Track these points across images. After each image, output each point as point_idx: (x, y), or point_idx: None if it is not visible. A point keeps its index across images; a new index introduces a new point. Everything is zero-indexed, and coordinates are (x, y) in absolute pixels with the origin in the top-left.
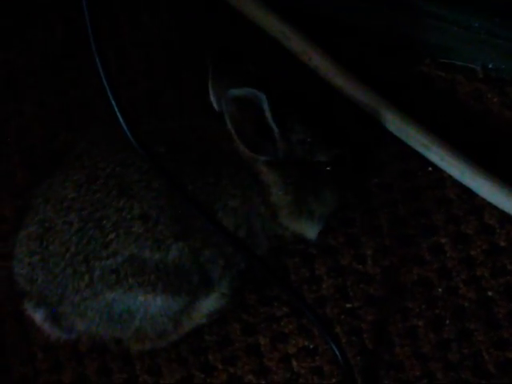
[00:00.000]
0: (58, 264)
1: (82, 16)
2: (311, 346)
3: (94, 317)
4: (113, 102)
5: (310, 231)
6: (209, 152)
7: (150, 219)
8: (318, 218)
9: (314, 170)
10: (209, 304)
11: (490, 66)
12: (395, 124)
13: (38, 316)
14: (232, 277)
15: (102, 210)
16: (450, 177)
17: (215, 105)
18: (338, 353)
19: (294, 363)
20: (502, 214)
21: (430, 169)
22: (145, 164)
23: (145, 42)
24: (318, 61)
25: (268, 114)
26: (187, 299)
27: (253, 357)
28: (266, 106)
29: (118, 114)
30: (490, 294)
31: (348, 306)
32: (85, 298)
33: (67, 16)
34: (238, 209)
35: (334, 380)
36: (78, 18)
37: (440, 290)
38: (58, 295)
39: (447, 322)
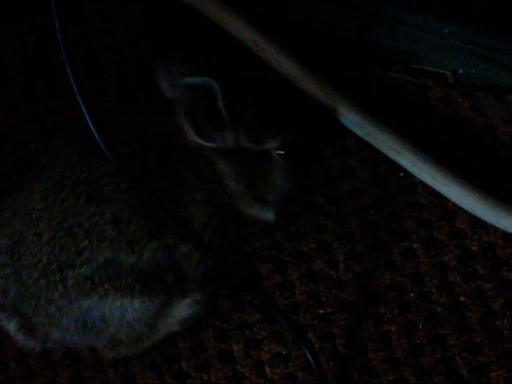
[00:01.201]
0: (31, 275)
1: (52, 22)
2: (284, 352)
3: (69, 326)
4: (82, 106)
5: (267, 215)
6: (167, 148)
7: (122, 222)
8: (270, 202)
9: (264, 156)
10: (182, 310)
11: (461, 71)
12: (365, 129)
13: (12, 327)
14: (204, 280)
15: (73, 217)
16: (422, 182)
17: (167, 93)
18: (311, 359)
19: (268, 369)
20: (473, 218)
21: (401, 174)
22: (111, 167)
23: (117, 49)
24: (289, 68)
25: (220, 103)
26: (163, 299)
27: (226, 363)
28: (218, 94)
29: (87, 116)
30: (462, 298)
31: (321, 311)
32: (59, 307)
33: (38, 22)
34: (205, 199)
35: None
36: (49, 24)
37: (412, 295)
38: (32, 306)
39: (420, 326)
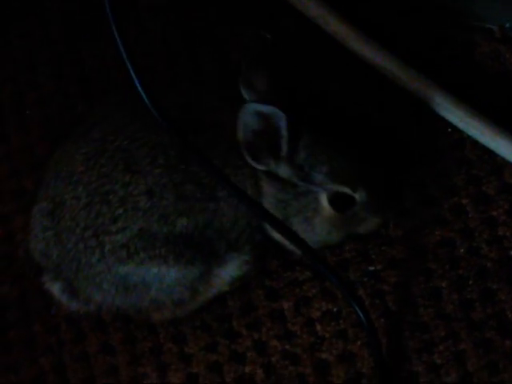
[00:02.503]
0: (70, 239)
1: None
2: (335, 310)
3: (110, 289)
4: (129, 68)
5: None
6: (220, 137)
7: (155, 195)
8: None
9: (312, 198)
10: (231, 270)
11: (508, 25)
12: (413, 85)
13: (56, 289)
14: (253, 244)
15: (109, 184)
16: (470, 137)
17: (246, 96)
18: (361, 315)
19: (318, 327)
20: None
21: (449, 130)
22: (153, 139)
23: (161, 10)
24: (332, 24)
25: (283, 134)
26: (202, 268)
27: (277, 322)
28: (283, 127)
29: (135, 79)
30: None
31: (370, 268)
32: (98, 272)
33: None
34: (238, 204)
35: (358, 343)
36: None
37: (462, 250)
38: (73, 269)
39: (470, 282)
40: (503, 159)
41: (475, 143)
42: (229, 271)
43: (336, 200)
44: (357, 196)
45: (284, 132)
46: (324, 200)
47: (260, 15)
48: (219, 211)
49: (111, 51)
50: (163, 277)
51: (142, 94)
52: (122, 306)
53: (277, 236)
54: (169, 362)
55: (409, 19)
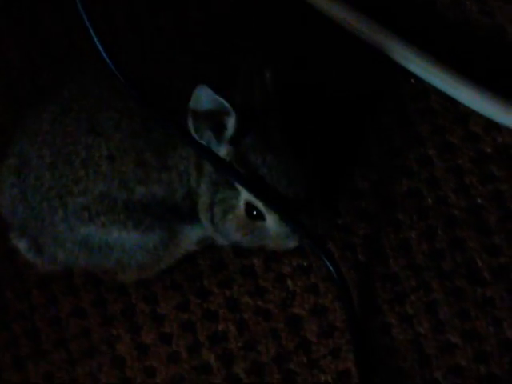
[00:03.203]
0: (35, 198)
1: None
2: (305, 264)
3: (73, 248)
4: (92, 35)
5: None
6: (182, 106)
7: (116, 160)
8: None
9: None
10: (196, 232)
11: None
12: (375, 37)
13: (22, 246)
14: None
15: (72, 145)
16: (433, 87)
17: None
18: (331, 269)
19: (289, 282)
20: (486, 120)
21: (412, 80)
22: (119, 103)
23: None
24: None
25: (229, 128)
26: (163, 234)
27: (248, 278)
28: (230, 122)
29: (98, 44)
30: (479, 201)
31: (339, 221)
32: (61, 231)
33: None
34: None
35: (329, 296)
36: None
37: (430, 200)
38: (38, 227)
39: (439, 231)
40: (467, 108)
41: (438, 93)
42: (195, 232)
43: (251, 207)
44: (267, 217)
45: (230, 126)
46: (241, 200)
47: None
48: (171, 183)
49: (74, 17)
50: (124, 241)
51: (105, 57)
52: (86, 265)
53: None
54: (141, 322)
55: None
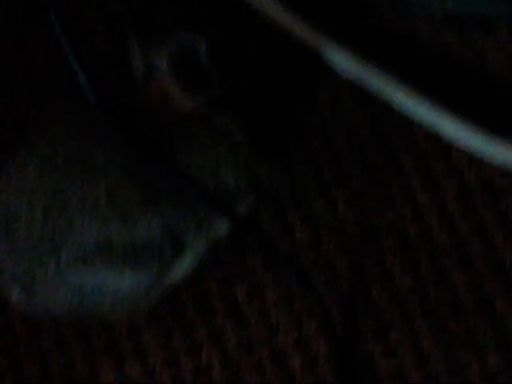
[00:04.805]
0: (25, 252)
1: None
2: (288, 295)
3: (66, 299)
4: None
5: None
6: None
7: (116, 192)
8: None
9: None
10: (183, 267)
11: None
12: (355, 70)
13: (13, 298)
14: (207, 238)
15: (65, 192)
16: (416, 119)
17: (139, 63)
18: (315, 301)
19: (273, 313)
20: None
21: (395, 113)
22: (107, 138)
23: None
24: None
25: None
26: (159, 272)
27: (231, 310)
28: (203, 51)
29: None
30: (462, 236)
31: (322, 254)
32: (54, 284)
33: None
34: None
35: (313, 327)
36: None
37: (413, 231)
38: (29, 281)
39: (422, 263)
40: (449, 140)
41: (421, 124)
42: (181, 268)
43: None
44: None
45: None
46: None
47: None
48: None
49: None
50: (118, 285)
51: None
52: (77, 314)
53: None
54: (125, 356)
55: (346, 3)
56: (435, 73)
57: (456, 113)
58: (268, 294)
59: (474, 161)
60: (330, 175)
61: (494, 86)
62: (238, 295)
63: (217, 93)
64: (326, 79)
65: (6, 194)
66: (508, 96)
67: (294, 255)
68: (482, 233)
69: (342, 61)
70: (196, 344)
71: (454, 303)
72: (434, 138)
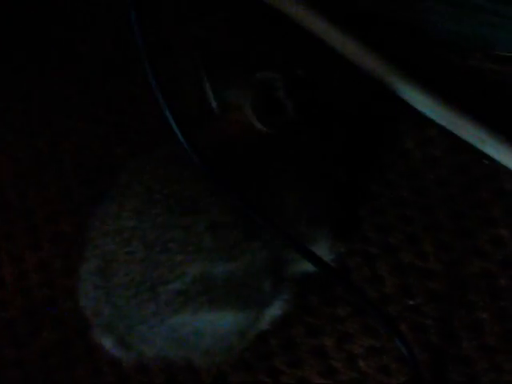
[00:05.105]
0: (123, 296)
1: (131, 29)
2: (377, 345)
3: (163, 343)
4: (167, 114)
5: None
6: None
7: (219, 227)
8: None
9: None
10: (272, 312)
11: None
12: (448, 118)
13: (108, 344)
14: (296, 281)
15: (168, 232)
16: (506, 168)
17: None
18: (404, 350)
19: (361, 363)
20: None
21: (485, 162)
22: (199, 174)
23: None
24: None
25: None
26: (256, 311)
27: (319, 359)
28: (279, 85)
29: (173, 123)
30: None
31: (411, 302)
32: (151, 326)
33: (116, 29)
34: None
35: (401, 378)
36: (126, 30)
37: (503, 281)
38: (125, 326)
39: None
40: None
41: (511, 174)
42: (271, 311)
43: None
44: None
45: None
46: None
47: None
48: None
49: (146, 95)
50: (219, 325)
51: (179, 134)
52: (172, 359)
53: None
54: None
55: (441, 50)
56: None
57: None
58: (356, 343)
59: None
60: (419, 225)
61: None
62: (325, 343)
63: (291, 119)
64: (410, 123)
65: (103, 236)
66: None
67: (382, 304)
68: None
69: (434, 106)
70: None
71: None
72: None
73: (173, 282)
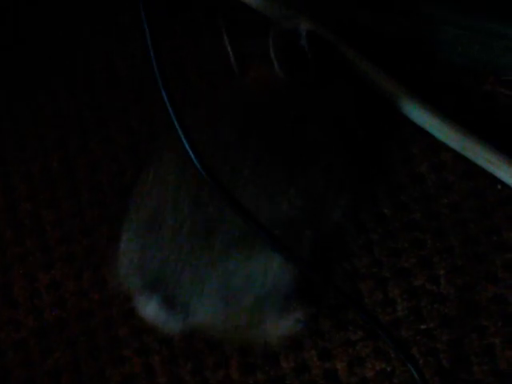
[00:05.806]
0: (174, 243)
1: (145, 49)
2: (389, 369)
3: (213, 297)
4: (180, 135)
5: None
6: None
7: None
8: None
9: None
10: (283, 328)
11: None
12: (461, 143)
13: (151, 308)
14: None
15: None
16: None
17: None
18: (415, 374)
19: None
20: None
21: (499, 186)
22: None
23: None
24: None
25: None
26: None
27: (331, 382)
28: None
29: (187, 145)
30: None
31: (423, 326)
32: (202, 276)
33: (128, 49)
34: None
35: None
36: (140, 50)
37: None
38: (173, 281)
39: None
40: None
41: None
42: (281, 327)
43: None
44: None
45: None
46: None
47: None
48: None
49: (159, 115)
50: (267, 271)
51: (194, 159)
52: (216, 322)
53: None
54: None
55: (454, 75)
56: None
57: None
58: (368, 367)
59: None
60: (432, 249)
61: None
62: (337, 366)
63: (312, 74)
64: (424, 147)
65: (151, 188)
66: None
67: (394, 328)
68: None
69: (447, 130)
70: None
71: None
72: None
73: (224, 230)
